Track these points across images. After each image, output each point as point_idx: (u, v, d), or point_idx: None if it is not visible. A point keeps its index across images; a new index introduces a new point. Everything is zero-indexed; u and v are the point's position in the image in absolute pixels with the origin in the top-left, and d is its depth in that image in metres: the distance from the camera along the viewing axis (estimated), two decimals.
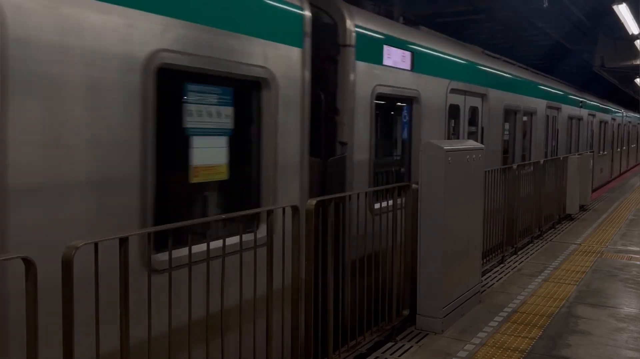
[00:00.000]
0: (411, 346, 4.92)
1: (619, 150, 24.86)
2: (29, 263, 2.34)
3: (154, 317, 2.98)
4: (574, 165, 11.54)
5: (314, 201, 4.03)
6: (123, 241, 2.80)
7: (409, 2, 12.56)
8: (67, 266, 2.50)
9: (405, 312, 5.36)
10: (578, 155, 12.29)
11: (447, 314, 5.28)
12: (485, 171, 6.48)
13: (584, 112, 17.32)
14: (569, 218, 11.58)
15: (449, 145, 5.30)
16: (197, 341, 3.31)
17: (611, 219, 11.69)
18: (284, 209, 3.96)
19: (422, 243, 5.25)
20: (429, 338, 5.09)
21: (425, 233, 5.23)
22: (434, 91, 7.21)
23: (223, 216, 3.52)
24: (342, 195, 4.68)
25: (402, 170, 6.99)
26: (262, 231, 4.19)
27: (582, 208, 12.60)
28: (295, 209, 3.92)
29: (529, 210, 9.15)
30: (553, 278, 7.11)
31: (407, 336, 5.16)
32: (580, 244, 9.16)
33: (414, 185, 5.34)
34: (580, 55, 20.67)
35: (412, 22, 7.40)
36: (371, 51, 5.91)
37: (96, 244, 2.68)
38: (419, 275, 5.28)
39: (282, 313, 3.94)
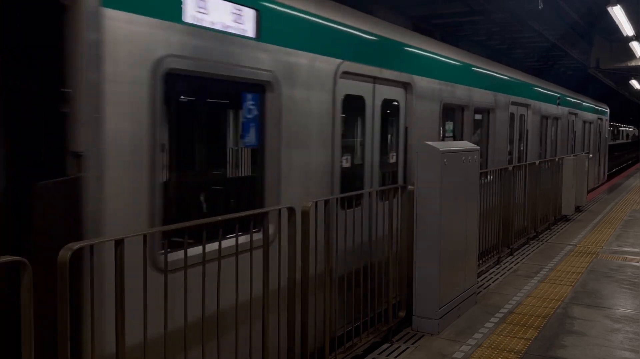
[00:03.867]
0: (407, 348, 4.92)
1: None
2: (23, 266, 2.33)
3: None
4: (569, 166, 11.57)
5: (309, 203, 4.05)
6: (119, 243, 2.80)
7: (406, 3, 12.58)
8: (62, 267, 2.49)
9: (402, 313, 5.36)
10: (574, 156, 12.32)
11: (443, 316, 5.29)
12: (481, 172, 6.48)
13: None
14: (565, 219, 11.61)
15: (445, 147, 5.31)
16: (193, 343, 3.30)
17: (607, 220, 11.72)
18: (279, 210, 3.96)
19: (418, 245, 5.25)
20: (425, 339, 5.10)
21: (421, 234, 5.23)
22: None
23: (219, 217, 3.52)
24: (341, 195, 4.66)
25: None
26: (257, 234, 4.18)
27: (578, 209, 12.63)
28: (292, 211, 3.93)
29: (524, 210, 9.17)
30: (549, 279, 7.13)
31: (404, 337, 5.17)
32: (576, 245, 9.18)
33: (410, 187, 5.34)
34: (575, 57, 20.73)
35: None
36: None
37: (92, 246, 2.68)
38: (415, 276, 5.28)
39: (278, 314, 3.94)
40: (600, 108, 20.98)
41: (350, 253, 4.83)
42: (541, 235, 9.91)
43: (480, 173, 6.38)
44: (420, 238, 5.24)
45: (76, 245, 2.55)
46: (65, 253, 2.51)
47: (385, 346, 4.98)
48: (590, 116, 18.62)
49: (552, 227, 10.73)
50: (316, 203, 4.18)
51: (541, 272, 7.45)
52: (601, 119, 21.14)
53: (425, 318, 5.23)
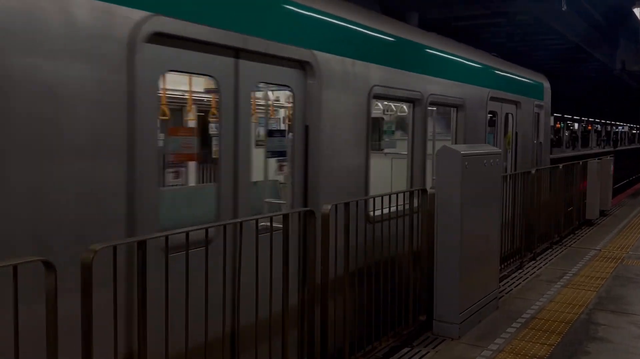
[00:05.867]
0: (427, 352, 4.89)
1: None
2: (49, 266, 2.37)
3: None
4: (593, 169, 11.40)
5: (329, 206, 4.05)
6: (141, 245, 2.83)
7: (426, 6, 12.55)
8: (86, 269, 2.53)
9: (422, 317, 5.34)
10: (598, 159, 12.12)
11: (464, 320, 5.24)
12: (503, 175, 6.50)
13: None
14: (589, 223, 11.43)
15: (466, 150, 5.28)
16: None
17: (632, 225, 11.51)
18: (299, 213, 3.98)
19: (439, 248, 5.22)
20: (445, 343, 5.06)
21: (441, 237, 5.20)
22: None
23: (239, 219, 3.55)
24: (356, 199, 4.67)
25: None
26: None
27: (603, 213, 12.42)
28: (311, 213, 3.94)
29: (547, 215, 9.07)
30: (572, 284, 7.02)
31: (424, 341, 5.13)
32: (600, 250, 9.03)
33: (430, 190, 5.32)
34: (600, 59, 20.44)
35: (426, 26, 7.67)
36: None
37: (115, 247, 2.72)
38: (436, 280, 5.25)
39: (298, 317, 3.94)
40: (518, 78, 10.00)
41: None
42: (565, 240, 9.77)
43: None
44: (440, 241, 5.21)
45: (98, 247, 2.59)
46: (88, 255, 2.55)
47: (405, 350, 4.95)
48: (469, 92, 7.89)
49: (576, 232, 10.57)
50: (336, 206, 4.18)
51: (564, 277, 7.34)
52: (519, 104, 9.79)
53: (446, 322, 5.19)
